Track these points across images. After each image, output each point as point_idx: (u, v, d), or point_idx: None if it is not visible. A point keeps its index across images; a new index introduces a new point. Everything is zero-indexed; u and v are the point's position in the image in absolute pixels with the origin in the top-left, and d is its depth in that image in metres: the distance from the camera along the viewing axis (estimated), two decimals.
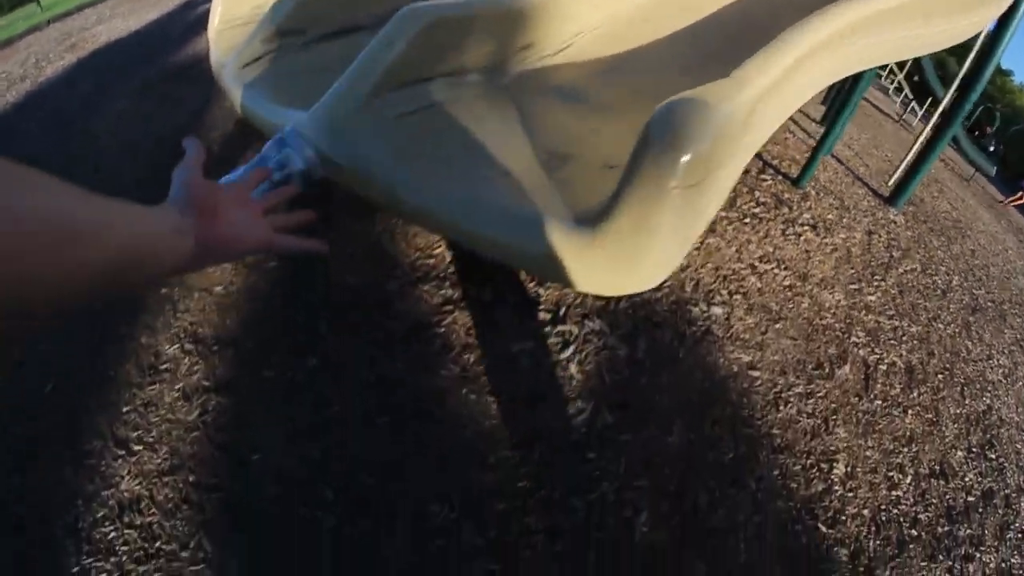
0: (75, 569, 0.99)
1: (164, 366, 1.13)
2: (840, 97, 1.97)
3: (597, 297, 1.12)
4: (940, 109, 1.99)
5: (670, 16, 1.29)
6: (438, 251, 1.16)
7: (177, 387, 1.09)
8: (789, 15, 1.33)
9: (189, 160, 0.47)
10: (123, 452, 1.07)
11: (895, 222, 1.89)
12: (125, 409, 1.12)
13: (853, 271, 1.63)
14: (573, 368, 1.06)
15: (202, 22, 2.60)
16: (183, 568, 0.93)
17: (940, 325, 1.66)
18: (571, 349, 1.06)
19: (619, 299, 1.18)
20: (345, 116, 0.89)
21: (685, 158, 0.57)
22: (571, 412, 1.04)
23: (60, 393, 1.21)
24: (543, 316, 1.07)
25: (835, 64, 1.19)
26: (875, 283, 1.64)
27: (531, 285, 1.10)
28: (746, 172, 1.83)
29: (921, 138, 2.02)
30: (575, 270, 0.67)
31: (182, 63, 2.31)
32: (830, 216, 1.75)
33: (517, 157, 0.88)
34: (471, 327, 1.05)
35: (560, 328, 1.07)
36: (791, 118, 2.36)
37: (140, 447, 1.06)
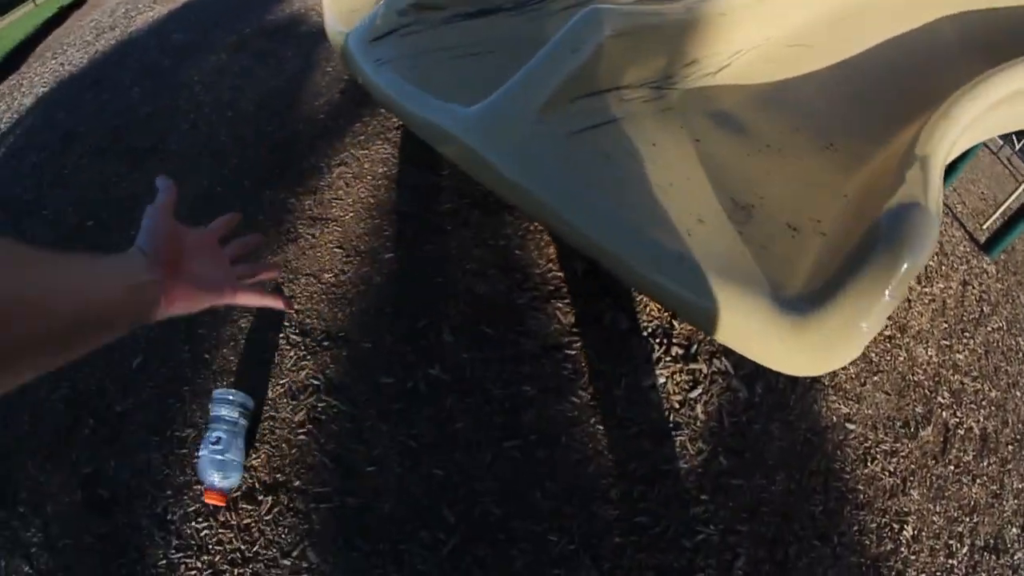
0: (162, 561, 0.96)
1: (267, 356, 1.07)
2: None
3: None
4: None
5: (828, 45, 1.22)
6: (571, 264, 1.10)
7: (282, 382, 1.04)
8: (946, 57, 1.26)
9: (160, 202, 0.45)
10: None
11: (987, 272, 1.85)
12: None
13: (946, 325, 1.60)
14: (699, 409, 1.03)
15: None
16: (283, 575, 0.90)
17: (1018, 392, 1.64)
18: (699, 389, 1.03)
19: None
20: (519, 127, 0.83)
21: (906, 270, 0.59)
22: (692, 453, 1.02)
23: (148, 370, 1.16)
24: (676, 351, 1.02)
25: (989, 127, 1.14)
26: (964, 340, 1.62)
27: (665, 316, 1.06)
28: None
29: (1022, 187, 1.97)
30: (768, 348, 0.66)
31: (279, 20, 2.21)
32: (931, 262, 1.72)
33: (701, 200, 0.83)
34: (604, 353, 1.01)
35: (691, 366, 1.03)
36: None
37: None
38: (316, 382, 1.02)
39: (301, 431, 0.99)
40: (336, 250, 1.20)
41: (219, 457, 0.94)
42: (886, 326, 1.48)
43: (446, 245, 1.16)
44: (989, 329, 1.68)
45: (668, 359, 1.01)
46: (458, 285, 1.07)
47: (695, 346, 1.04)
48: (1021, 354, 1.72)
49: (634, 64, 0.96)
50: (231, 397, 0.99)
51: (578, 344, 1.01)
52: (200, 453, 0.95)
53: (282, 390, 1.03)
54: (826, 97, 1.15)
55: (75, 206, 1.65)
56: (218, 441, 0.95)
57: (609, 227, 0.74)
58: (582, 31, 0.88)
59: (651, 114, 0.95)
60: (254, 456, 1.02)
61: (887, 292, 0.58)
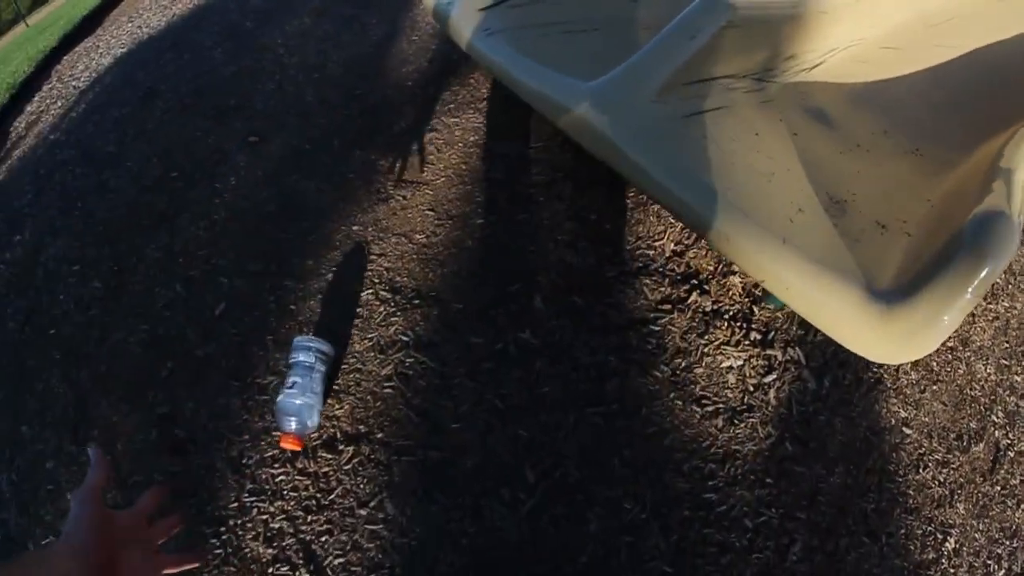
0: (234, 504, 0.99)
1: (356, 311, 1.11)
2: None
3: (802, 325, 1.11)
4: None
5: (921, 49, 1.23)
6: (659, 243, 1.13)
7: (370, 336, 1.08)
8: None
9: (90, 483, 0.41)
10: None
11: None
12: None
13: (1007, 345, 1.59)
14: (771, 394, 1.05)
15: None
16: (358, 524, 0.93)
17: None
18: (774, 375, 1.05)
19: (817, 331, 1.17)
20: (637, 105, 0.86)
21: (987, 272, 0.64)
22: (761, 436, 1.04)
23: (230, 317, 1.20)
24: (755, 336, 1.05)
25: None
26: None
27: (746, 301, 1.08)
28: None
29: None
30: (858, 334, 0.71)
31: None
32: (998, 279, 1.71)
33: (800, 191, 0.86)
34: (687, 332, 1.04)
35: (767, 352, 1.05)
36: None
37: None
38: (405, 338, 1.06)
39: (388, 385, 1.03)
40: (427, 212, 1.24)
41: (296, 402, 0.96)
42: (949, 337, 1.49)
43: (538, 215, 1.19)
44: None
45: (747, 343, 1.04)
46: (549, 255, 1.11)
47: (772, 333, 1.07)
48: None
49: (740, 55, 0.98)
50: (311, 344, 1.02)
51: (662, 321, 1.04)
52: (278, 398, 0.99)
53: (369, 344, 1.07)
54: (915, 102, 1.16)
55: (159, 158, 1.71)
56: (294, 385, 0.98)
57: (720, 207, 0.77)
58: (700, 19, 0.91)
59: (753, 105, 0.98)
60: (337, 406, 1.06)
61: (969, 290, 0.64)
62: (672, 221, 1.20)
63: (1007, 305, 1.68)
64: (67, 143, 2.09)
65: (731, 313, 1.06)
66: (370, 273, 1.16)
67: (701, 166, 0.83)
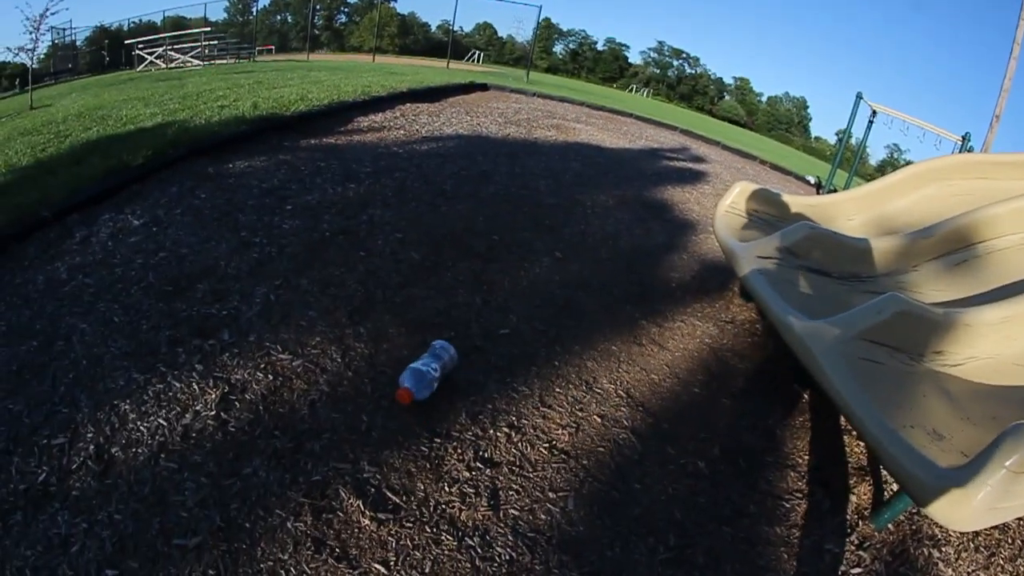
0: None
1: None
2: None
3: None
4: None
5: None
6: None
7: None
8: None
9: None
10: None
11: None
12: None
13: None
14: None
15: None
16: None
17: None
18: (858, 571, 1.36)
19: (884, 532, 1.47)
20: (839, 340, 1.47)
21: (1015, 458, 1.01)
22: None
23: None
24: (850, 518, 1.47)
25: None
26: None
27: (861, 506, 1.50)
28: None
29: None
30: (935, 503, 1.11)
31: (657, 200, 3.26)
32: None
33: (924, 425, 1.36)
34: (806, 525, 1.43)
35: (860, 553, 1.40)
36: None
37: None
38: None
39: None
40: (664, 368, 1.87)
41: (421, 369, 1.44)
42: None
43: None
44: None
45: (844, 525, 1.44)
46: None
47: (860, 524, 1.46)
48: None
49: (904, 336, 1.54)
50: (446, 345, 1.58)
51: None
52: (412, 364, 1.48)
53: None
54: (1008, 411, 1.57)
55: (485, 219, 2.60)
56: (426, 363, 1.48)
57: (880, 423, 1.29)
58: (887, 303, 1.51)
59: (903, 371, 1.52)
60: None
61: (1004, 467, 0.99)
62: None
63: None
64: (405, 158, 3.00)
65: (847, 514, 1.46)
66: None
67: (871, 394, 1.38)
